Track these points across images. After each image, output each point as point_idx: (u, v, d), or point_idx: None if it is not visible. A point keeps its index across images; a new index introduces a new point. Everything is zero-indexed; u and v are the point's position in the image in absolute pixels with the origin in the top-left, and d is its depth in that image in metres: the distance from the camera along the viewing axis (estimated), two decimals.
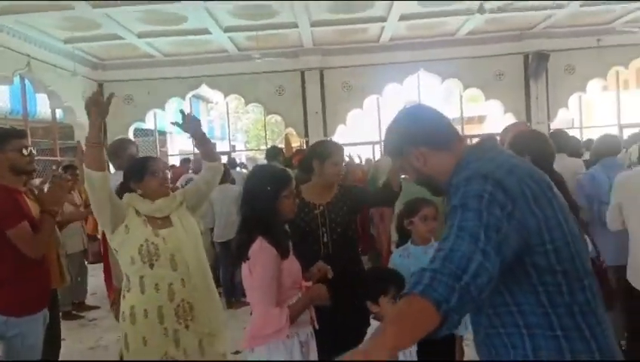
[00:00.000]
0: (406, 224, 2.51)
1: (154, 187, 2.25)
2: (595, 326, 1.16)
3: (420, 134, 1.35)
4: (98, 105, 2.06)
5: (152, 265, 2.15)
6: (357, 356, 0.96)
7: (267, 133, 13.16)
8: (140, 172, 2.26)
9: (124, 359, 2.19)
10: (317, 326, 2.07)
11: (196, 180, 2.56)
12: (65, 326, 3.95)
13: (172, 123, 2.54)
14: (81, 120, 9.10)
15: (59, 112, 9.82)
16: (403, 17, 7.93)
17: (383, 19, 8.06)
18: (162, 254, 2.16)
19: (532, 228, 1.14)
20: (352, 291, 2.34)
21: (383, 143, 3.61)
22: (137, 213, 2.21)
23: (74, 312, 5.18)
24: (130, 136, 9.56)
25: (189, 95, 10.08)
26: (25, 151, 2.43)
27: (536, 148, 2.46)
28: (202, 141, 2.46)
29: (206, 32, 8.07)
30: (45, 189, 2.66)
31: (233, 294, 5.22)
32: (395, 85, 9.88)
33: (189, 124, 2.42)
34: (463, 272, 1.04)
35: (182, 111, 2.45)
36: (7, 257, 2.29)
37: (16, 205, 2.35)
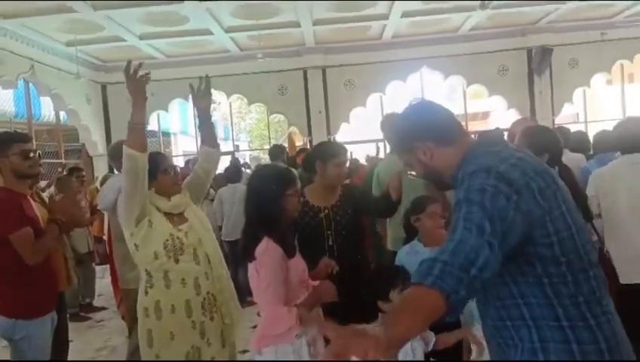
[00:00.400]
0: (413, 221, 2.51)
1: (168, 184, 2.26)
2: (600, 315, 1.18)
3: (427, 129, 1.37)
4: (132, 79, 2.06)
5: (177, 260, 2.15)
6: (379, 347, 0.94)
7: (270, 132, 13.16)
8: (153, 170, 2.24)
9: (146, 355, 2.17)
10: None
11: (195, 170, 2.55)
12: (72, 328, 3.96)
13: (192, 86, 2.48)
14: (85, 122, 9.15)
15: (63, 115, 9.86)
16: (405, 14, 7.90)
17: (385, 17, 8.03)
18: (186, 249, 2.17)
19: (538, 218, 1.16)
20: (359, 289, 2.34)
21: (389, 139, 3.57)
22: (158, 209, 2.21)
23: (81, 314, 5.20)
24: None
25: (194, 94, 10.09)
26: (30, 155, 2.44)
27: (552, 145, 2.56)
28: (207, 122, 2.45)
29: (208, 32, 8.07)
30: (56, 198, 2.65)
31: (239, 293, 5.22)
32: (398, 83, 9.84)
33: (202, 98, 2.41)
34: (471, 265, 1.06)
35: (191, 87, 2.45)
36: (14, 261, 2.30)
37: (21, 210, 2.35)
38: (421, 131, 1.37)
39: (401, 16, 7.95)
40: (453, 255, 1.08)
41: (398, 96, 10.41)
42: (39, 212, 2.50)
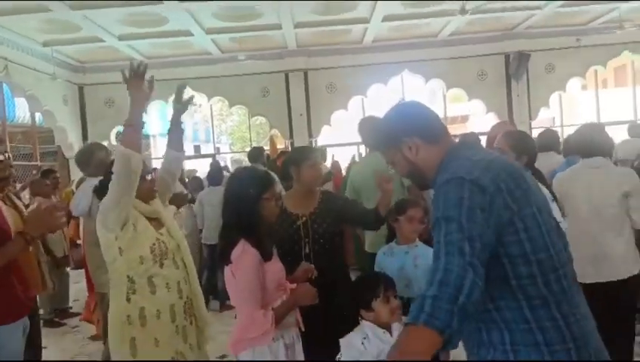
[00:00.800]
0: (391, 221, 2.52)
1: (145, 191, 2.19)
2: (569, 315, 1.21)
3: (414, 125, 1.41)
4: (137, 78, 2.02)
5: (162, 265, 2.11)
6: None
7: (252, 134, 13.12)
8: None
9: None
10: (303, 328, 2.06)
11: (161, 174, 2.49)
12: (47, 334, 3.88)
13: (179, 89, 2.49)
14: (62, 124, 8.97)
15: (38, 116, 9.65)
16: (386, 18, 7.97)
17: (366, 21, 8.10)
18: (169, 253, 2.14)
19: (506, 221, 1.19)
20: (337, 292, 2.34)
21: (366, 142, 3.57)
22: (140, 213, 2.15)
23: (56, 319, 5.09)
24: (113, 139, 9.43)
25: (172, 98, 9.99)
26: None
27: (531, 148, 2.70)
28: (178, 127, 2.44)
29: (188, 33, 8.01)
30: (32, 202, 2.55)
31: (217, 297, 5.19)
32: (380, 86, 9.93)
33: (183, 104, 2.42)
34: (458, 293, 1.09)
35: (180, 88, 2.45)
36: None
37: None
38: (409, 126, 1.41)
39: (382, 20, 8.03)
40: (441, 286, 1.11)
41: (379, 99, 10.50)
42: (9, 215, 2.43)
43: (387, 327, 1.92)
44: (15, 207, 2.59)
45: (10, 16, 6.61)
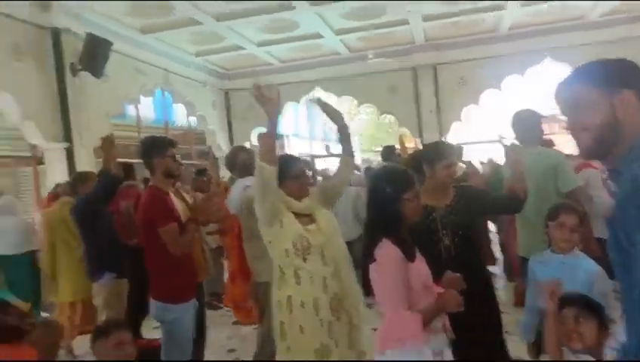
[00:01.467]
0: (544, 227, 2.38)
1: (295, 190, 2.38)
2: None
3: (632, 75, 1.11)
4: (261, 98, 2.21)
5: (305, 259, 2.25)
6: None
7: (381, 133, 13.15)
8: (284, 173, 2.34)
9: (279, 346, 2.29)
10: (452, 336, 1.99)
11: (333, 177, 2.67)
12: (207, 316, 4.33)
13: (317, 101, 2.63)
14: (212, 127, 10.01)
15: (191, 120, 10.88)
16: (526, 3, 7.40)
17: (502, 7, 7.61)
18: (313, 248, 2.27)
19: None
20: (480, 296, 2.27)
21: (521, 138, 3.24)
22: (289, 209, 2.33)
23: (214, 302, 5.63)
24: (254, 140, 10.22)
25: (304, 99, 10.49)
26: (177, 158, 2.79)
27: None
28: (340, 133, 2.55)
29: (318, 36, 8.33)
30: (194, 197, 2.94)
31: None
32: (515, 77, 9.24)
33: (334, 117, 2.53)
34: None
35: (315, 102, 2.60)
36: (165, 252, 2.63)
37: (168, 206, 2.69)
38: (630, 77, 1.10)
39: (521, 5, 7.46)
40: None
41: (514, 91, 9.81)
42: (180, 206, 2.84)
43: (594, 353, 1.78)
44: (183, 199, 3.00)
45: (167, 31, 7.53)
